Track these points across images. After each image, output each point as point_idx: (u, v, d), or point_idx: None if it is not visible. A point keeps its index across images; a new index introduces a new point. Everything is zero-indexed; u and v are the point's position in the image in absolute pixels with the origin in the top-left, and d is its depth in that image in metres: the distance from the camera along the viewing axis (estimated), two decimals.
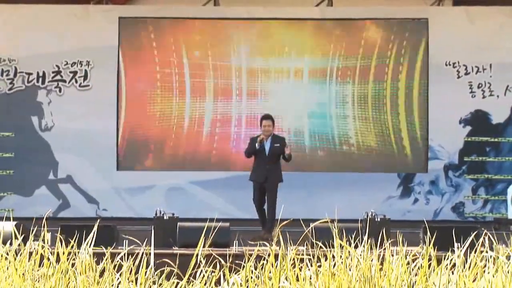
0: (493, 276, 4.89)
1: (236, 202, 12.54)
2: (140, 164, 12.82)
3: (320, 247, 5.27)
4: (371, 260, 4.93)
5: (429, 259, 5.06)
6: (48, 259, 5.13)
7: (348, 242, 5.13)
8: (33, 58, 12.73)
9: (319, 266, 4.95)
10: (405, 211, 12.56)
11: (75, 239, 5.38)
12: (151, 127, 12.85)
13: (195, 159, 12.86)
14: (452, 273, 4.96)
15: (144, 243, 5.40)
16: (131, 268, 4.93)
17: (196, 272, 4.99)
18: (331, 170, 12.61)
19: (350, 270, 4.91)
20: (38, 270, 5.14)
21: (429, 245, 5.21)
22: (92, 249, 5.33)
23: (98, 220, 6.29)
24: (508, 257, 5.17)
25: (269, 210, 9.95)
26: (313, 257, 5.04)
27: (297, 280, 4.92)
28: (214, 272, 5.02)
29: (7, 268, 5.18)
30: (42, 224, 5.66)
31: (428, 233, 5.48)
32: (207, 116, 12.87)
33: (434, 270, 4.99)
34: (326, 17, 12.91)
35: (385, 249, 5.14)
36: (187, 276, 4.92)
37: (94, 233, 5.27)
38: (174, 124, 12.85)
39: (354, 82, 12.83)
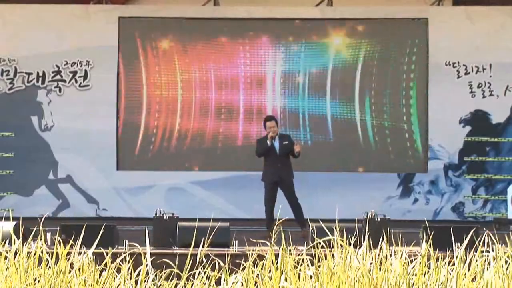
0: (493, 276, 4.88)
1: (236, 202, 12.54)
2: (140, 164, 12.81)
3: (321, 247, 5.27)
4: (371, 260, 4.92)
5: (429, 259, 5.06)
6: (47, 259, 5.12)
7: (348, 242, 5.13)
8: (33, 58, 12.72)
9: (319, 266, 4.94)
10: (405, 211, 12.54)
11: (74, 238, 5.38)
12: (151, 127, 12.84)
13: (195, 159, 12.85)
14: (452, 272, 4.96)
15: (143, 243, 5.39)
16: (131, 269, 4.92)
17: (196, 272, 4.98)
18: (330, 170, 12.59)
19: (350, 270, 4.91)
20: (37, 270, 5.13)
21: (429, 245, 5.21)
22: (88, 245, 5.33)
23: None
24: (508, 257, 5.17)
25: (296, 209, 9.99)
26: (313, 257, 5.04)
27: (298, 279, 4.91)
28: (214, 272, 5.02)
29: (7, 268, 5.17)
30: (42, 224, 5.65)
31: (428, 233, 5.48)
32: (209, 116, 12.85)
33: (433, 270, 4.99)
34: (326, 17, 12.89)
35: (385, 249, 5.14)
36: (186, 276, 4.91)
37: (96, 233, 5.26)
38: (174, 124, 12.84)
39: (353, 82, 12.82)
